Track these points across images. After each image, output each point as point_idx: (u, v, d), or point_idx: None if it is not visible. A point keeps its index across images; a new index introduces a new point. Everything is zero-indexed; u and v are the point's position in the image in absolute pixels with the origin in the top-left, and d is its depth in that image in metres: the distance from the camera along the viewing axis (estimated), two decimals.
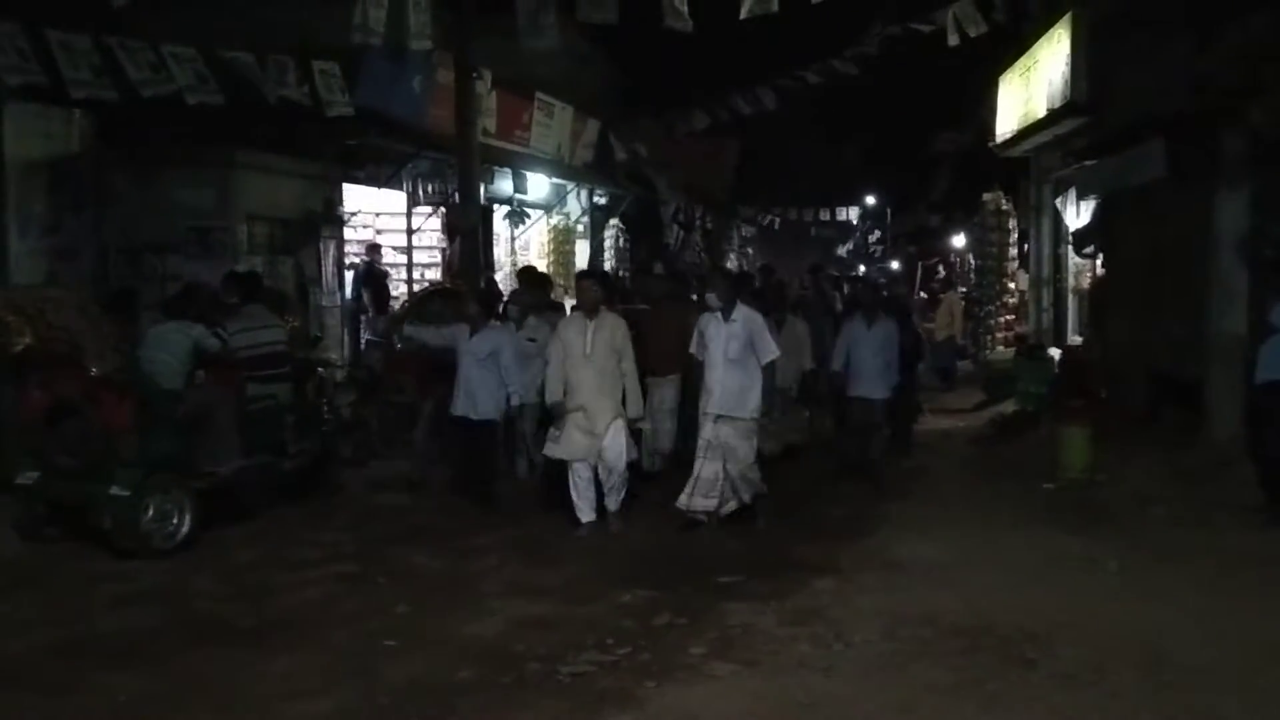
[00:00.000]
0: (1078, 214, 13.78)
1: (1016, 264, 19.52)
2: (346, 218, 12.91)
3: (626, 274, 18.75)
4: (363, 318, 13.02)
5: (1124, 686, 4.56)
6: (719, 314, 7.43)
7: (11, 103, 9.44)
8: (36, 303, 7.17)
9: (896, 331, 9.31)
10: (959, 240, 24.38)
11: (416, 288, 13.56)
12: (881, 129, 29.77)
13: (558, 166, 16.70)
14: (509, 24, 9.49)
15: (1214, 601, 5.62)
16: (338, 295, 12.81)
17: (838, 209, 34.43)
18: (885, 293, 11.68)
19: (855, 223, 38.05)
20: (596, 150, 17.94)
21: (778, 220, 32.61)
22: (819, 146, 32.29)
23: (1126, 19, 10.88)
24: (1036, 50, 13.96)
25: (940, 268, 25.61)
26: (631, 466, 7.55)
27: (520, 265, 14.12)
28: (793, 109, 18.97)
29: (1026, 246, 17.66)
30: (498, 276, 14.12)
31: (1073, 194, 13.78)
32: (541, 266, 15.25)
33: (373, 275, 13.17)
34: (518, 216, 16.26)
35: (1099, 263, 13.01)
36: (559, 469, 7.50)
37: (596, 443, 7.19)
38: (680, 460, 8.16)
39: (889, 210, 36.51)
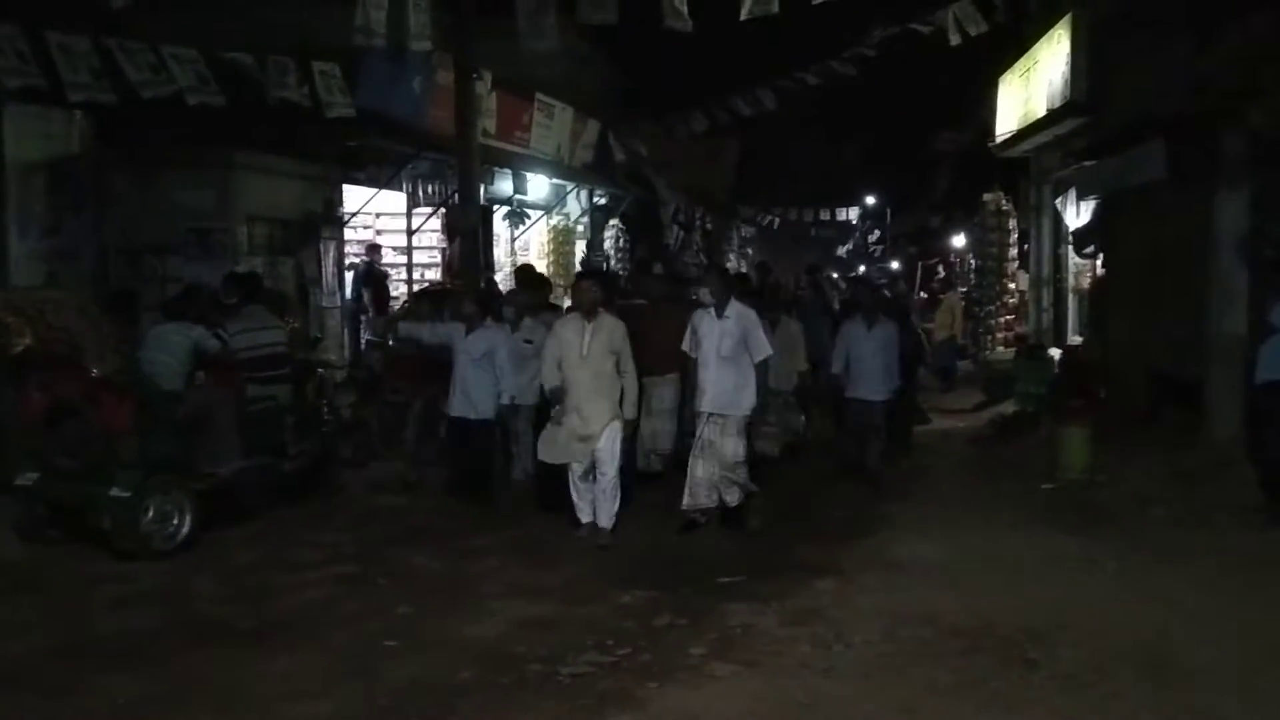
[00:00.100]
0: (1078, 214, 13.78)
1: (1016, 264, 19.52)
2: (346, 218, 12.91)
3: (625, 273, 18.75)
4: (363, 318, 13.03)
5: (1124, 687, 4.57)
6: (712, 310, 7.40)
7: (11, 104, 9.43)
8: (36, 304, 7.15)
9: (896, 333, 9.30)
10: (959, 240, 24.37)
11: (417, 288, 13.56)
12: (881, 129, 29.79)
13: (557, 167, 16.71)
14: (509, 25, 9.48)
15: (1214, 602, 5.62)
16: (338, 296, 12.81)
17: (837, 209, 34.44)
18: (887, 293, 11.66)
19: (855, 223, 38.05)
20: (596, 151, 17.95)
21: (777, 220, 32.63)
22: (819, 146, 32.34)
23: (1126, 19, 10.89)
24: (1036, 50, 13.97)
25: (940, 268, 25.62)
26: (626, 471, 7.42)
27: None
28: (793, 109, 19.00)
29: (1026, 247, 17.65)
30: (498, 277, 14.12)
31: (1073, 194, 13.78)
32: (541, 267, 15.25)
33: (373, 276, 13.18)
34: (517, 217, 16.27)
35: (1099, 263, 13.00)
36: (556, 470, 7.44)
37: (590, 446, 7.08)
38: (680, 460, 8.15)
39: (889, 210, 36.51)
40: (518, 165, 15.33)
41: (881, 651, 5.05)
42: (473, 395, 7.98)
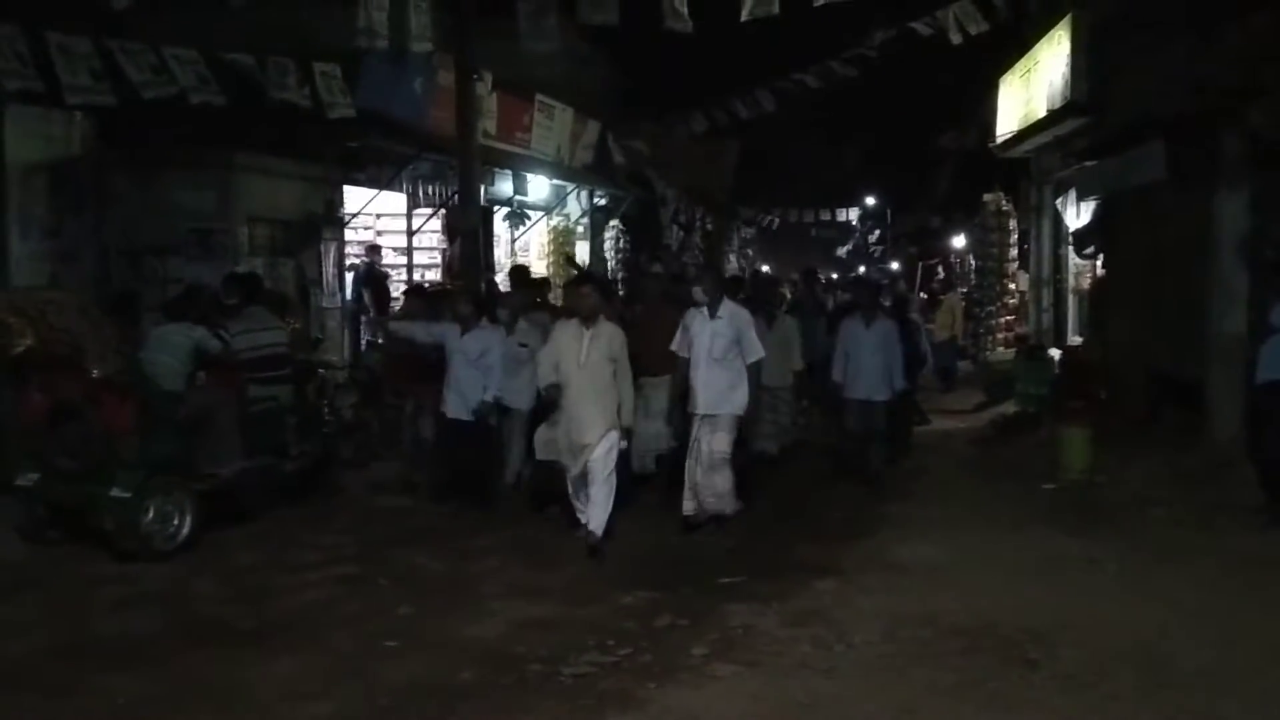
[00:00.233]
0: (1078, 214, 13.78)
1: (1017, 264, 19.51)
2: (347, 219, 12.92)
3: (622, 275, 18.77)
4: (363, 319, 13.03)
5: (1124, 687, 4.57)
6: (704, 310, 7.38)
7: (12, 105, 9.43)
8: (38, 305, 7.14)
9: (896, 331, 9.24)
10: (959, 241, 24.37)
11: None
12: (882, 130, 29.78)
13: (558, 168, 16.70)
14: (510, 26, 9.51)
15: (1214, 602, 5.63)
16: (338, 297, 12.81)
17: (838, 210, 34.45)
18: (885, 301, 11.56)
19: (855, 223, 38.06)
20: (596, 152, 17.95)
21: (777, 221, 32.63)
22: (819, 147, 32.33)
23: (1127, 20, 10.89)
24: (1037, 51, 13.97)
25: (940, 268, 25.61)
26: (622, 474, 7.29)
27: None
28: (793, 110, 18.99)
29: (1027, 247, 17.65)
30: (498, 278, 14.12)
31: (1073, 195, 13.78)
32: (541, 268, 15.25)
33: (373, 277, 13.18)
34: (518, 218, 16.26)
35: (1099, 263, 13.00)
36: (553, 470, 7.42)
37: (585, 456, 6.92)
38: (678, 460, 8.13)
39: (889, 211, 36.52)
40: (518, 166, 15.33)
41: (882, 652, 5.05)
42: (468, 396, 7.96)
